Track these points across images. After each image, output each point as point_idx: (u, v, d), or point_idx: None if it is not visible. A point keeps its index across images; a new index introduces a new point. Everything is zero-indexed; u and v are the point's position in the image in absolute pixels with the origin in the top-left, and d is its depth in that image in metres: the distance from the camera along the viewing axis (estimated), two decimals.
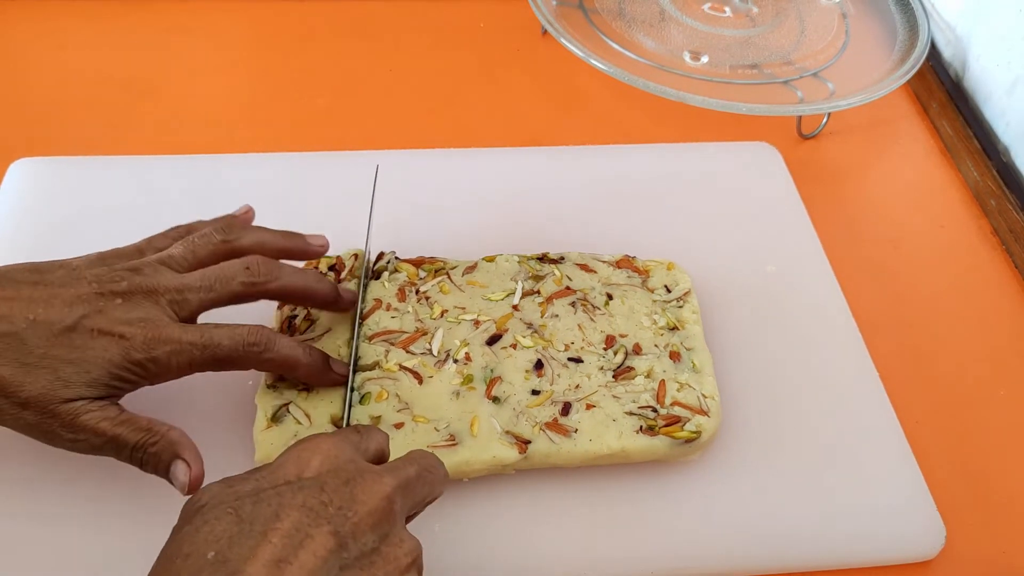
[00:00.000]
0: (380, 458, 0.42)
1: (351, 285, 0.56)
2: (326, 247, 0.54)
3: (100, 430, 0.43)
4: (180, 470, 0.44)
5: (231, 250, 0.49)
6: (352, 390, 0.51)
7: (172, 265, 0.47)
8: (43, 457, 0.50)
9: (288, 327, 0.54)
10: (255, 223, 0.54)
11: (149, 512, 0.47)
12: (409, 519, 0.40)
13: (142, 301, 0.45)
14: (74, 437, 0.43)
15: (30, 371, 0.42)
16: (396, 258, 0.58)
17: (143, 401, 0.54)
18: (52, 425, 0.43)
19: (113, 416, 0.44)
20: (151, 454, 0.44)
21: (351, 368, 0.52)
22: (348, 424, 0.50)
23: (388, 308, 0.55)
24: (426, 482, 0.40)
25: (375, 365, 0.52)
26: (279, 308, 0.55)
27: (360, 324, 0.54)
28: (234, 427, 0.52)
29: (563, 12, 0.78)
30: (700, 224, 0.66)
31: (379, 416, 0.50)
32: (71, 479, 0.50)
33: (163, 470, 0.45)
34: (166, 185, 0.65)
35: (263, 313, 0.57)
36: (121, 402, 0.45)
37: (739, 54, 0.77)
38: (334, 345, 0.53)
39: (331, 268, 0.57)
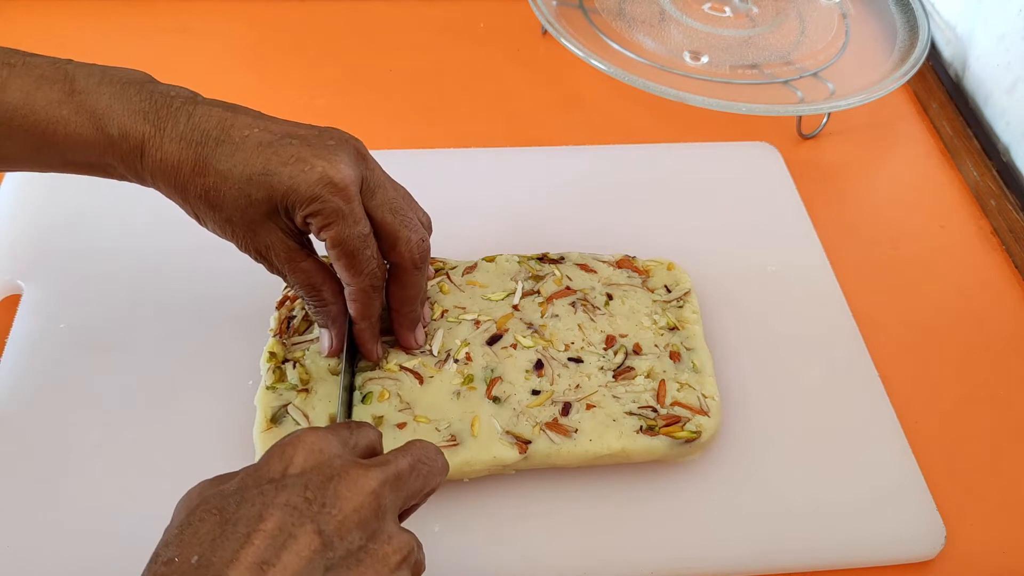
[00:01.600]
0: (371, 454, 0.40)
1: None
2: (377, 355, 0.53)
3: (297, 262, 0.48)
4: (324, 337, 0.52)
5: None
6: (353, 389, 0.51)
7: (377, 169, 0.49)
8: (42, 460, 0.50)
9: (287, 327, 0.54)
10: None
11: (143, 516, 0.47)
12: (409, 511, 0.40)
13: (344, 150, 0.47)
14: (274, 253, 0.47)
15: (230, 184, 0.45)
16: None
17: (140, 400, 0.54)
18: (251, 241, 0.47)
19: (297, 248, 0.47)
20: (315, 296, 0.50)
21: (350, 367, 0.52)
22: (343, 417, 0.49)
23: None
24: (420, 474, 0.39)
25: (376, 365, 0.52)
26: (278, 308, 0.55)
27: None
28: (234, 428, 0.52)
29: (563, 12, 0.78)
30: (700, 224, 0.66)
31: (381, 416, 0.50)
32: (74, 484, 0.50)
33: (321, 314, 0.50)
34: None
35: (262, 314, 0.57)
36: None
37: (739, 54, 0.77)
38: None
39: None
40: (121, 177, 0.47)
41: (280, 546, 0.33)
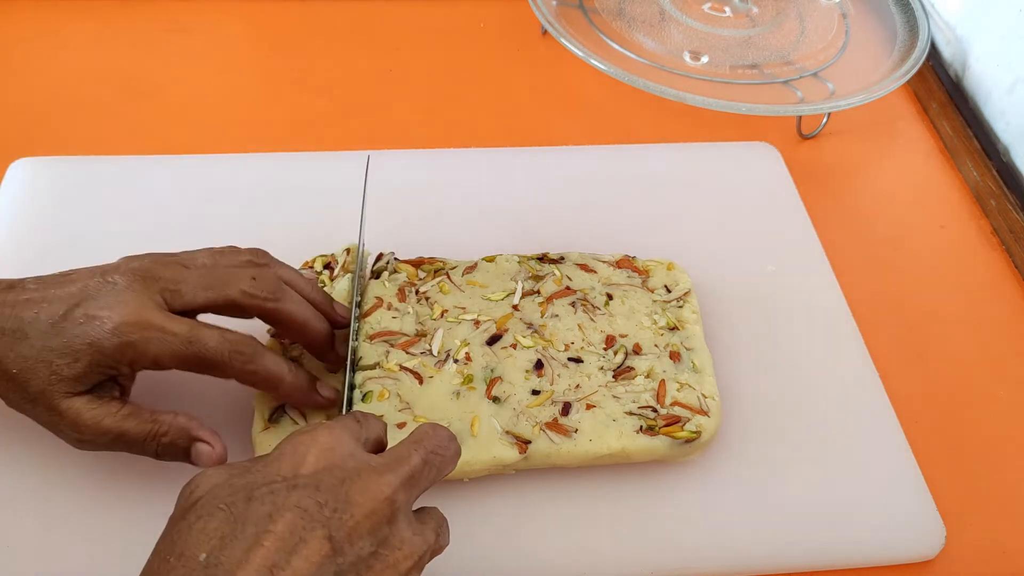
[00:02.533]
0: (379, 446, 0.41)
1: (344, 281, 0.56)
2: (347, 319, 0.52)
3: (104, 427, 0.44)
4: (203, 451, 0.45)
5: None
6: (352, 387, 0.51)
7: (186, 262, 0.47)
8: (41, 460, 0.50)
9: None
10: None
11: (147, 503, 0.47)
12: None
13: (134, 285, 0.44)
14: (80, 437, 0.44)
15: (31, 365, 0.42)
16: (395, 258, 0.58)
17: (139, 400, 0.54)
18: (60, 424, 0.43)
19: (115, 411, 0.44)
20: (164, 444, 0.45)
21: (350, 366, 0.52)
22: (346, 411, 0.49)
23: (389, 307, 0.55)
24: (433, 466, 0.38)
25: (376, 365, 0.52)
26: None
27: (359, 321, 0.54)
28: (232, 428, 0.52)
29: (563, 12, 0.78)
30: (700, 224, 0.66)
31: (381, 415, 0.50)
32: (71, 477, 0.50)
33: (182, 455, 0.45)
34: (166, 185, 0.65)
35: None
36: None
37: (739, 54, 0.77)
38: None
39: (326, 267, 0.57)
40: None
41: (290, 550, 0.33)
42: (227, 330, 0.46)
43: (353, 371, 0.52)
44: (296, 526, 0.33)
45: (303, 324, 0.49)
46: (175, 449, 0.45)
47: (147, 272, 0.45)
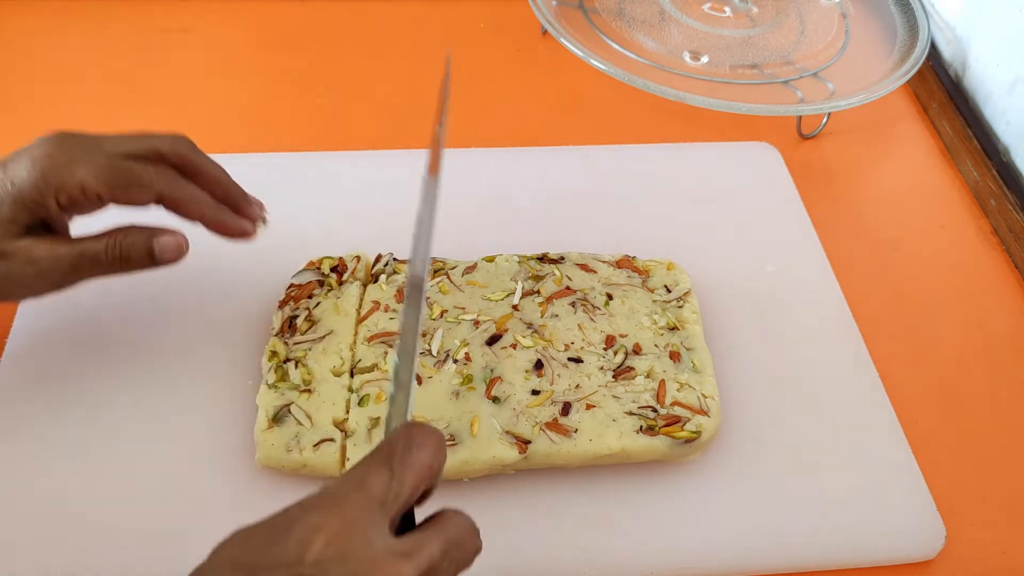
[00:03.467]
0: (429, 477, 0.36)
1: (354, 287, 0.56)
2: (251, 227, 0.51)
3: (60, 254, 0.44)
4: (167, 242, 0.45)
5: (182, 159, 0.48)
6: (410, 390, 0.48)
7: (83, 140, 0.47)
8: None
9: (289, 327, 0.54)
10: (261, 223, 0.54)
11: None
12: None
13: (44, 143, 0.45)
14: (37, 269, 0.44)
15: None
16: (395, 259, 0.58)
17: (140, 400, 0.54)
18: (13, 264, 0.43)
19: (67, 240, 0.44)
20: (126, 246, 0.45)
21: (410, 363, 0.49)
22: (388, 432, 0.41)
23: (386, 310, 0.55)
24: (453, 559, 0.35)
25: (374, 367, 0.52)
26: (280, 307, 0.55)
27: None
28: (234, 427, 0.52)
29: (563, 12, 0.78)
30: (700, 224, 0.66)
31: (377, 417, 0.50)
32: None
33: (147, 255, 0.45)
34: None
35: (263, 314, 0.57)
36: None
37: (739, 54, 0.77)
38: (336, 347, 0.53)
39: (333, 269, 0.57)
40: None
41: None
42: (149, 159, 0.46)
43: (398, 389, 0.43)
44: None
45: (190, 199, 0.48)
46: (138, 250, 0.45)
47: (68, 134, 0.46)
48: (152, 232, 0.46)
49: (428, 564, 0.33)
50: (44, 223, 0.45)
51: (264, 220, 0.52)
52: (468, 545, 0.36)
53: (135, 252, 0.45)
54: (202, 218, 0.49)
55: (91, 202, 0.46)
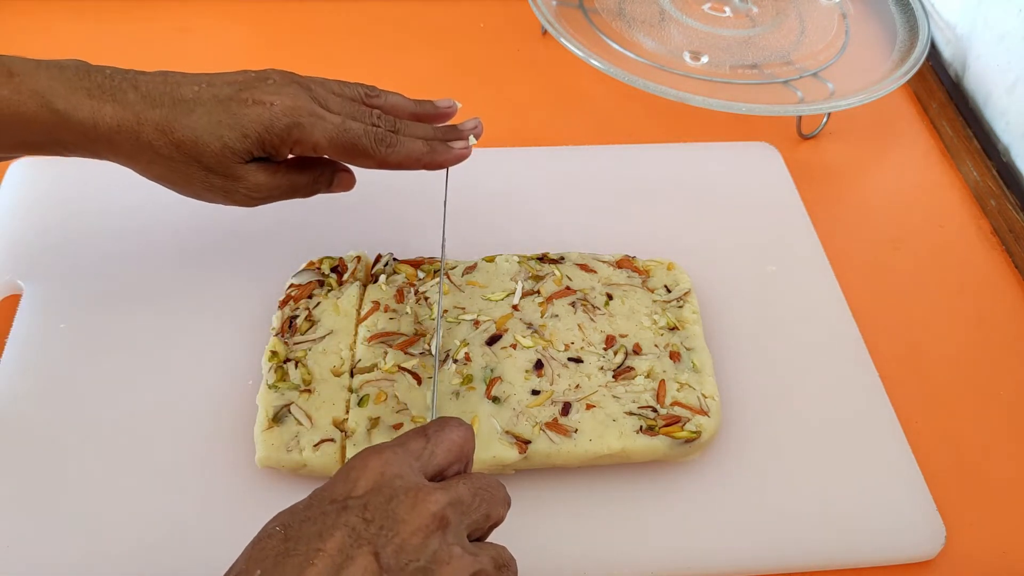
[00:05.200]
0: (450, 459, 0.40)
1: (354, 288, 0.56)
2: (453, 111, 0.58)
3: (277, 182, 0.51)
4: (342, 176, 0.55)
5: (370, 104, 0.55)
6: (435, 382, 0.51)
7: (316, 82, 0.53)
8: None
9: (289, 326, 0.54)
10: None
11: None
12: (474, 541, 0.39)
13: (291, 84, 0.51)
14: (254, 195, 0.51)
15: (200, 136, 0.48)
16: (394, 259, 0.58)
17: (141, 400, 0.54)
18: (236, 186, 0.50)
19: (280, 170, 0.51)
20: (323, 180, 0.54)
21: (437, 372, 0.52)
22: (433, 416, 0.49)
23: (386, 310, 0.55)
24: (483, 500, 0.38)
25: (373, 367, 0.52)
26: (280, 307, 0.55)
27: (441, 312, 0.54)
28: (235, 427, 0.52)
29: (563, 12, 0.78)
30: (700, 224, 0.66)
31: (377, 417, 0.50)
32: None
33: (327, 184, 0.55)
34: None
35: (264, 314, 0.57)
36: None
37: (739, 54, 0.77)
38: (336, 347, 0.53)
39: (333, 269, 0.57)
40: (73, 152, 0.49)
41: (338, 567, 0.33)
42: (369, 126, 0.52)
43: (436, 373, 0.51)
44: (344, 544, 0.34)
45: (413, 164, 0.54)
46: (326, 181, 0.55)
47: (298, 78, 0.52)
48: (334, 168, 0.55)
49: (458, 497, 0.37)
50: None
51: (477, 134, 0.58)
52: (496, 493, 0.39)
53: (323, 184, 0.54)
54: (418, 167, 0.54)
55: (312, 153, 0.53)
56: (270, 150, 0.50)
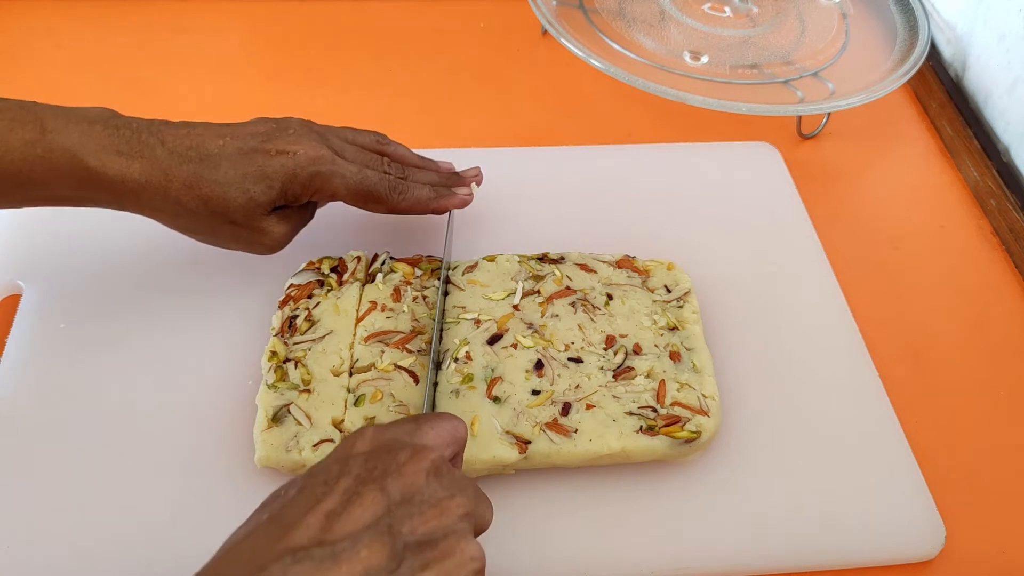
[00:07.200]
0: (451, 442, 0.41)
1: (354, 288, 0.56)
2: (452, 170, 0.61)
3: (291, 229, 0.54)
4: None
5: (380, 151, 0.58)
6: (434, 384, 0.51)
7: (331, 131, 0.56)
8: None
9: (289, 327, 0.54)
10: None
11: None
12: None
13: (310, 133, 0.53)
14: (273, 245, 0.54)
15: (226, 190, 0.50)
16: (391, 258, 0.58)
17: (140, 400, 0.54)
18: (260, 239, 0.53)
19: (295, 214, 0.54)
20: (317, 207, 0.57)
21: (432, 367, 0.52)
22: (428, 410, 0.50)
23: (383, 309, 0.55)
24: (473, 490, 0.40)
25: (371, 367, 0.52)
26: (280, 307, 0.55)
27: (442, 313, 0.55)
28: (234, 427, 0.52)
29: (563, 12, 0.78)
30: (700, 224, 0.66)
31: (373, 417, 0.50)
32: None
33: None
34: None
35: (263, 314, 0.57)
36: None
37: (739, 54, 0.77)
38: (336, 347, 0.53)
39: (333, 269, 0.57)
40: (99, 205, 0.51)
41: (347, 501, 0.36)
42: (382, 174, 0.55)
43: (436, 370, 0.52)
44: (351, 486, 0.36)
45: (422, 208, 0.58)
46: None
47: (316, 127, 0.54)
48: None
49: (446, 457, 0.40)
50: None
51: (478, 181, 0.61)
52: (483, 495, 0.41)
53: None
54: (425, 211, 0.58)
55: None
56: (291, 199, 0.52)
